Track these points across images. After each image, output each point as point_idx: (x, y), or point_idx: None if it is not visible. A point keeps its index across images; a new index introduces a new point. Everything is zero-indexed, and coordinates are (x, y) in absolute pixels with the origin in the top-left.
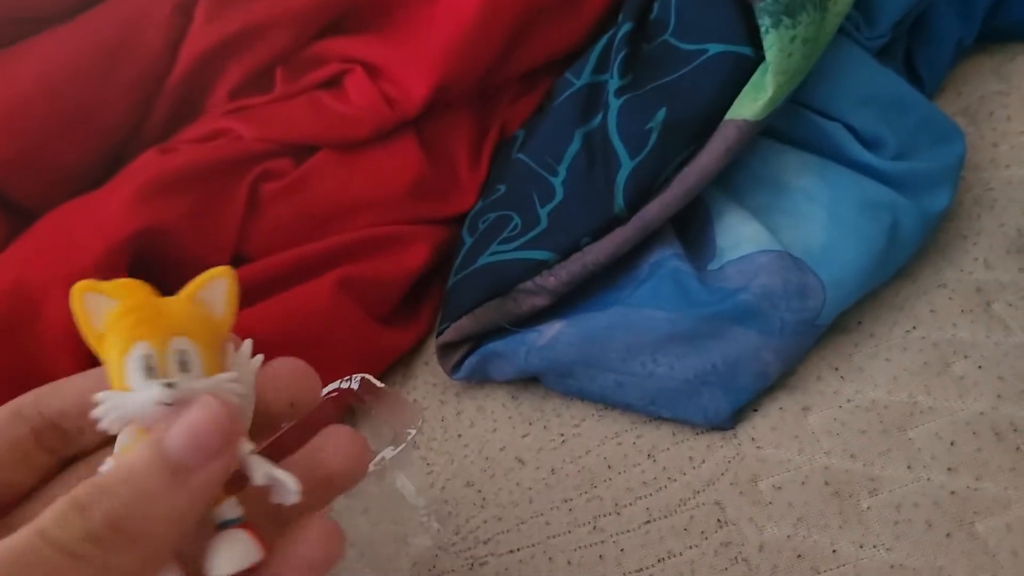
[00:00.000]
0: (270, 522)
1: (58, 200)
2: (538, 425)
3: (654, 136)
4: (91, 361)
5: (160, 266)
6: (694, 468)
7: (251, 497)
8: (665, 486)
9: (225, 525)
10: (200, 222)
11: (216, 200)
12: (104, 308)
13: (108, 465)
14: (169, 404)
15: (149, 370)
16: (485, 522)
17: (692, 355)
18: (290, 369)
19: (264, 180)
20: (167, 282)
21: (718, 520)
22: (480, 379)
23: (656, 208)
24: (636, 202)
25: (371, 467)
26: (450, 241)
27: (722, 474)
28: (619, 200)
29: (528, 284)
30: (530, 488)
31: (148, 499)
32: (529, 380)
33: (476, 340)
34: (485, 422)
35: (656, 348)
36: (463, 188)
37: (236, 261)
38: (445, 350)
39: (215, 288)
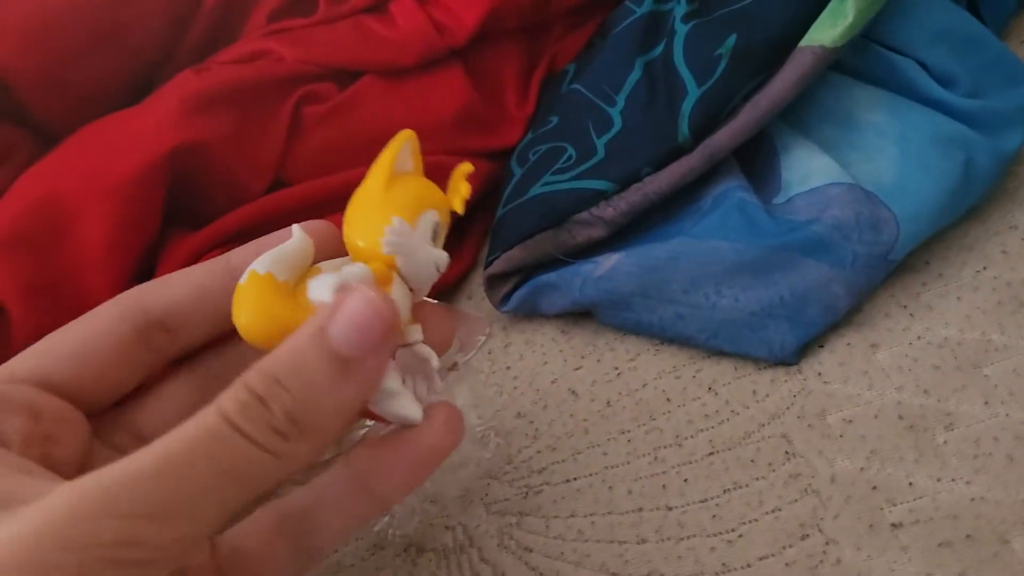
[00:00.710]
0: None
1: (84, 122)
2: (591, 359)
3: (723, 63)
4: (126, 276)
5: (198, 186)
6: (758, 402)
7: None
8: (728, 419)
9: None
10: (241, 141)
11: (258, 120)
12: (404, 164)
13: (326, 282)
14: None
15: (434, 235)
16: (539, 452)
17: (759, 287)
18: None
19: (307, 103)
20: (205, 203)
21: (786, 452)
22: (529, 312)
23: (724, 136)
24: (702, 131)
25: (444, 365)
26: (495, 175)
27: (788, 408)
28: (683, 129)
29: (584, 215)
30: (585, 420)
31: (319, 393)
32: (580, 314)
33: (526, 272)
34: (534, 355)
35: (721, 279)
36: (510, 121)
37: (276, 185)
38: (493, 282)
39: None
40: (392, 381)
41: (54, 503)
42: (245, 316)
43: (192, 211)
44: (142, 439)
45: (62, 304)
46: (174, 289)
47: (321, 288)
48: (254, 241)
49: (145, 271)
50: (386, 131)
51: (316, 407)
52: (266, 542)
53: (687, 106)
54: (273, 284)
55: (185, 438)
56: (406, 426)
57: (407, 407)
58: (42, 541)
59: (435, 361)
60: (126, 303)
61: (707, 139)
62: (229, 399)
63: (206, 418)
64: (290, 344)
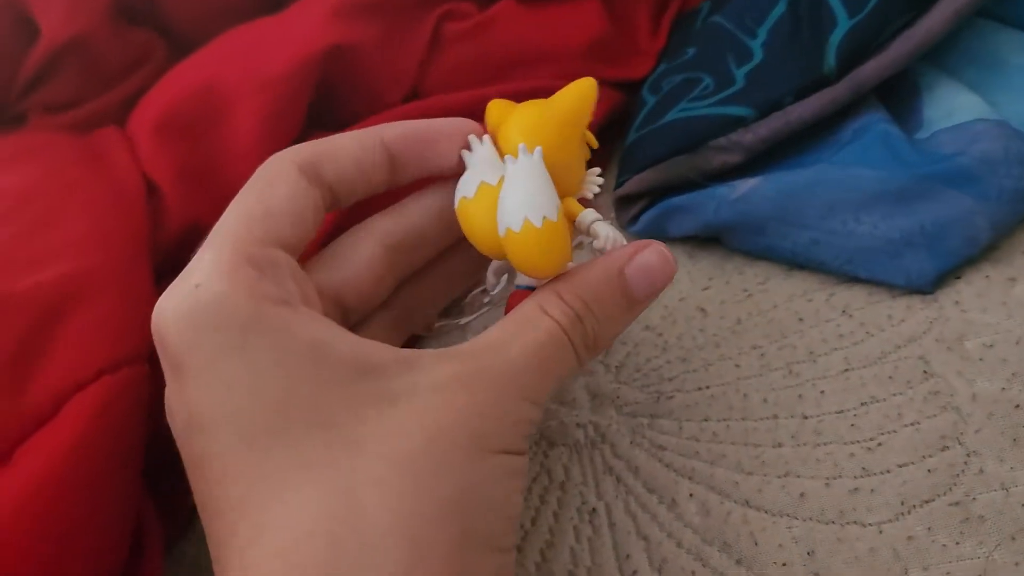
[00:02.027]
0: None
1: (217, 31)
2: (719, 280)
3: None
4: None
5: (340, 90)
6: (893, 326)
7: None
8: (863, 340)
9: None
10: (385, 50)
11: (402, 31)
12: None
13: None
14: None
15: None
16: (668, 362)
17: (899, 215)
18: None
19: (448, 19)
20: (345, 108)
21: (924, 372)
22: (657, 234)
23: (872, 68)
24: (848, 63)
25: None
26: (623, 105)
27: (925, 332)
28: (830, 60)
29: (721, 140)
30: (715, 335)
31: (611, 322)
32: (706, 240)
33: (656, 194)
34: None
35: (860, 206)
36: (641, 53)
37: (412, 96)
38: (622, 203)
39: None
40: None
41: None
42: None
43: (332, 115)
44: None
45: (210, 188)
46: (341, 160)
47: (606, 229)
48: (401, 123)
49: None
50: (520, 53)
51: (607, 331)
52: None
53: (836, 37)
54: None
55: (541, 340)
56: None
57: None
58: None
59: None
60: (304, 164)
61: (854, 71)
62: (558, 311)
63: (546, 324)
64: (595, 276)
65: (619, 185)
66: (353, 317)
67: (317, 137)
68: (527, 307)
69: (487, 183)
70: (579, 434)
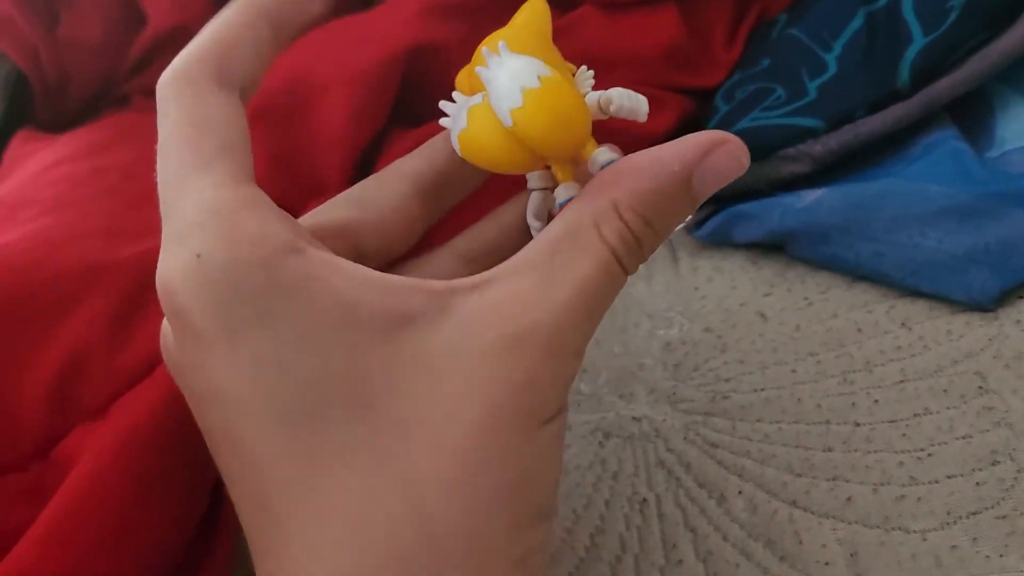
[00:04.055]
0: None
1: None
2: (781, 288)
3: (954, 15)
4: (353, 160)
5: (422, 87)
6: (952, 340)
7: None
8: (920, 353)
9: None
10: (469, 48)
11: (486, 30)
12: None
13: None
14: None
15: None
16: (726, 363)
17: (965, 232)
18: None
19: None
20: (425, 105)
21: (979, 387)
22: (720, 239)
23: (946, 85)
24: (923, 79)
25: None
26: (695, 113)
27: (983, 348)
28: (904, 75)
29: (790, 150)
30: (773, 340)
31: (667, 231)
32: (770, 247)
33: (722, 201)
34: (723, 280)
35: (926, 221)
36: (716, 63)
37: None
38: None
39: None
40: None
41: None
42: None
43: (414, 111)
44: None
45: (297, 176)
46: (243, 56)
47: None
48: None
49: (366, 161)
50: (597, 58)
51: (664, 221)
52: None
53: (911, 53)
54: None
55: (592, 277)
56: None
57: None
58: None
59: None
60: (212, 73)
61: (928, 87)
62: (612, 233)
63: (599, 252)
64: (656, 181)
65: None
66: (372, 262)
67: (399, 133)
68: (579, 217)
69: (475, 105)
70: (634, 427)
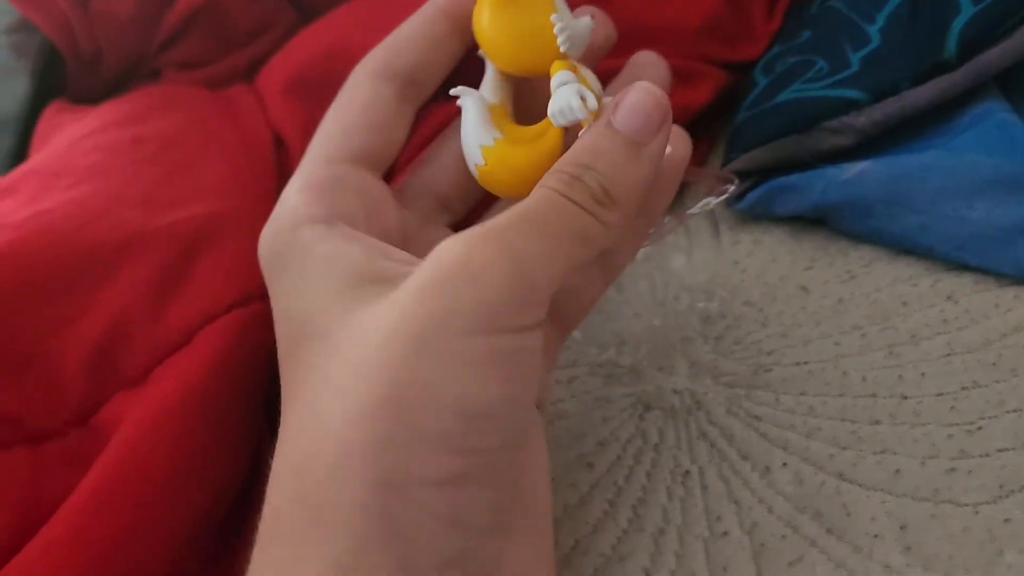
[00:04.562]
0: None
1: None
2: (822, 261)
3: None
4: None
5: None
6: (999, 314)
7: None
8: (967, 326)
9: None
10: None
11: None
12: None
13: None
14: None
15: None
16: (768, 337)
17: (1013, 203)
18: (654, 60)
19: None
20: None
21: None
22: (762, 213)
23: (995, 56)
24: (970, 49)
25: (696, 211)
26: (732, 86)
27: None
28: (950, 46)
29: (834, 122)
30: (816, 313)
31: (620, 171)
32: (811, 221)
33: (763, 174)
34: (763, 253)
35: (973, 193)
36: (755, 35)
37: None
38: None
39: None
40: None
41: (448, 259)
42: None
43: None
44: None
45: None
46: (413, 47)
47: (565, 98)
48: None
49: None
50: (636, 30)
51: (620, 182)
52: (585, 271)
53: (958, 23)
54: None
55: (532, 204)
56: None
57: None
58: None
59: None
60: (378, 70)
61: (976, 57)
62: (552, 180)
63: (540, 193)
64: (585, 139)
65: (727, 163)
66: (459, 209)
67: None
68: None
69: (487, 147)
70: (675, 400)
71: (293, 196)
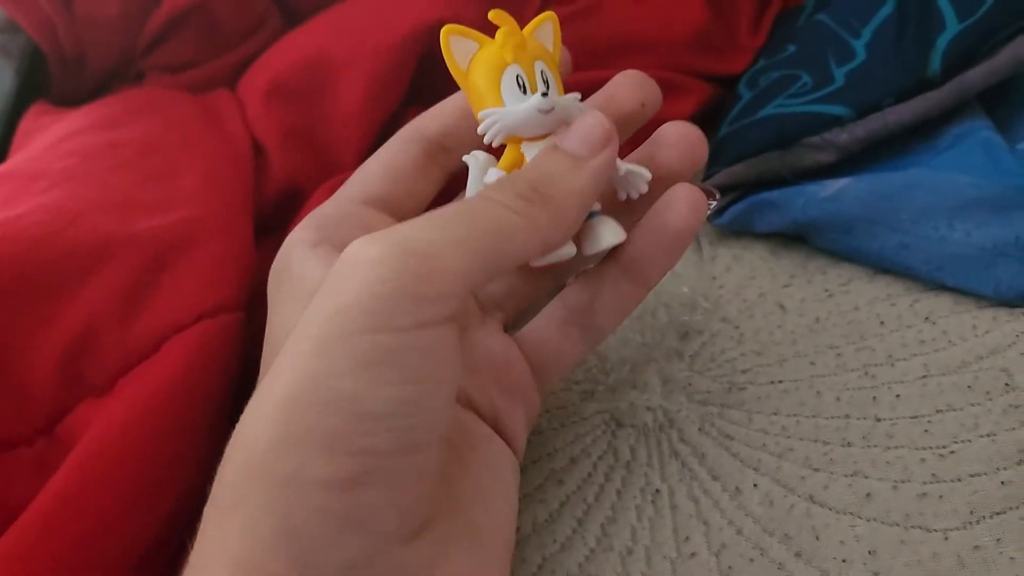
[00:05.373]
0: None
1: (330, 2)
2: (801, 279)
3: (990, 2)
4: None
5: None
6: (977, 336)
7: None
8: (944, 348)
9: (590, 216)
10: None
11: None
12: (466, 49)
13: (491, 175)
14: (547, 112)
15: (522, 88)
16: (743, 355)
17: (994, 224)
18: (637, 80)
19: (555, 2)
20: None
21: (1005, 384)
22: (741, 228)
23: (978, 74)
24: (955, 67)
25: None
26: (716, 100)
27: (1010, 344)
28: (935, 63)
29: (815, 139)
30: (792, 331)
31: (557, 174)
32: (791, 238)
33: (744, 189)
34: (742, 269)
35: (955, 213)
36: (740, 49)
37: None
38: (708, 196)
39: (545, 29)
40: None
41: (349, 261)
42: None
43: (429, 91)
44: None
45: (312, 152)
46: (445, 116)
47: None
48: None
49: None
50: (623, 41)
51: (554, 182)
52: (562, 330)
53: (943, 41)
54: None
55: (445, 207)
56: (637, 183)
57: (632, 165)
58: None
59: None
60: (409, 132)
61: (960, 75)
62: (485, 187)
63: (468, 198)
64: (531, 161)
65: (708, 177)
66: (414, 212)
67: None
68: None
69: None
70: (648, 417)
71: (298, 226)
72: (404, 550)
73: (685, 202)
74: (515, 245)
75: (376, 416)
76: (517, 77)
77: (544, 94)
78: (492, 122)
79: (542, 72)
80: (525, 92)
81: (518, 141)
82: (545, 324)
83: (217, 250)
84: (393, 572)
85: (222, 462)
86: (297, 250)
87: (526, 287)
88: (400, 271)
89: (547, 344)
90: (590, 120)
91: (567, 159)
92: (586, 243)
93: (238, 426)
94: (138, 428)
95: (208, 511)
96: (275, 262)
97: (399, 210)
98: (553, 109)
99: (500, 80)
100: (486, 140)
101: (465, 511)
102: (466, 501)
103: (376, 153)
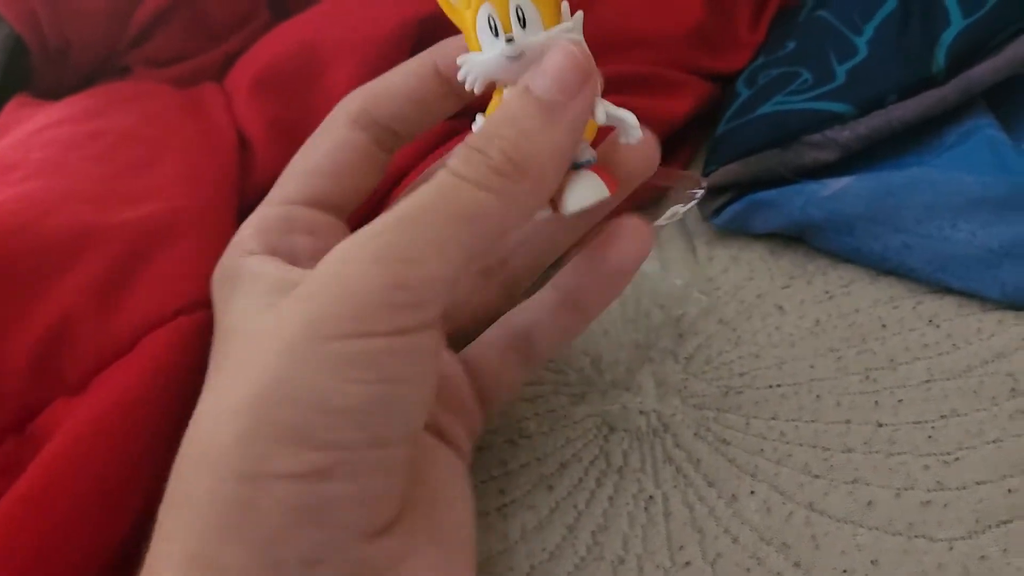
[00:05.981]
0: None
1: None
2: (800, 280)
3: None
4: None
5: None
6: (982, 340)
7: None
8: (949, 351)
9: (578, 167)
10: None
11: None
12: None
13: (479, 123)
14: (515, 57)
15: (494, 30)
16: (740, 357)
17: (999, 224)
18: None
19: None
20: None
21: (1012, 389)
22: (740, 228)
23: (983, 71)
24: (959, 64)
25: (664, 222)
26: (714, 97)
27: (1017, 349)
28: (939, 60)
29: (816, 136)
30: (791, 334)
31: (531, 136)
32: (790, 239)
33: (742, 188)
34: (740, 270)
35: (959, 212)
36: (739, 46)
37: None
38: (707, 194)
39: None
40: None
41: (328, 268)
42: None
43: None
44: None
45: (299, 143)
46: (395, 99)
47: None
48: (452, 42)
49: None
50: (619, 36)
51: (530, 148)
52: (502, 355)
53: (947, 37)
54: None
55: (418, 196)
56: (625, 131)
57: (621, 111)
58: (331, 290)
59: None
60: (354, 112)
61: (964, 72)
62: (452, 157)
63: (434, 178)
64: (501, 106)
65: (705, 175)
66: (357, 203)
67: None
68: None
69: None
70: (641, 421)
71: (244, 232)
72: (368, 546)
73: (630, 240)
74: (492, 225)
75: (346, 411)
76: (489, 17)
77: (510, 39)
78: (466, 72)
79: (517, 8)
80: (497, 35)
81: (500, 87)
82: (487, 348)
83: (196, 245)
84: (357, 567)
85: (177, 457)
86: (247, 259)
87: (473, 299)
88: (378, 282)
89: (488, 367)
90: (560, 57)
91: (540, 109)
92: (564, 201)
93: (192, 421)
94: (107, 427)
95: (162, 507)
96: (219, 270)
97: (342, 205)
98: (523, 55)
99: (476, 22)
100: (466, 89)
101: (427, 510)
102: (427, 501)
103: (319, 137)
